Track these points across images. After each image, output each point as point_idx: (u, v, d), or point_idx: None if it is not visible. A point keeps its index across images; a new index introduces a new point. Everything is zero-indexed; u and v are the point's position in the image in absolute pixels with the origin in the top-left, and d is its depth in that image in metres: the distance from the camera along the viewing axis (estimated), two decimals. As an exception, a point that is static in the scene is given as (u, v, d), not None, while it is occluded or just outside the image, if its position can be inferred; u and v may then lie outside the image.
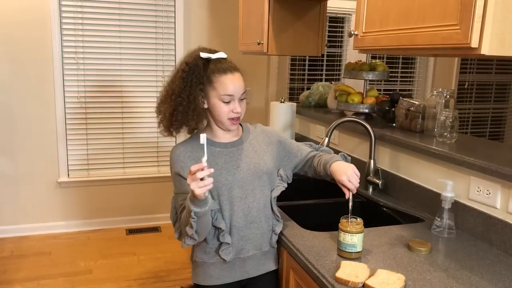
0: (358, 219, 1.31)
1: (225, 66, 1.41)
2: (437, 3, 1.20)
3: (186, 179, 1.31)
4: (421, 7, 1.27)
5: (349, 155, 1.63)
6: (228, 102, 1.40)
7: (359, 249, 1.30)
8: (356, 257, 1.30)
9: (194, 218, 1.28)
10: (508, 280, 1.20)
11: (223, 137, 1.48)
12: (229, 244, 1.43)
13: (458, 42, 1.10)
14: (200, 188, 1.21)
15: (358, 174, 1.42)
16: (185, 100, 1.39)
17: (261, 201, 1.45)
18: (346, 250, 1.30)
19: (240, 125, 1.55)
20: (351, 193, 1.40)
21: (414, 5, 1.29)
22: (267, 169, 1.48)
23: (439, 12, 1.19)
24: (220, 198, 1.42)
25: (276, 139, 1.57)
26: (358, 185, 1.40)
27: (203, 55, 1.41)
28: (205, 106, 1.43)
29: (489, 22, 1.05)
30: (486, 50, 1.06)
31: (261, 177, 1.46)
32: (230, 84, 1.39)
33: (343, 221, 1.31)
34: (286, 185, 1.54)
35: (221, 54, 1.45)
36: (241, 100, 1.43)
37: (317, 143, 1.77)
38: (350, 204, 1.38)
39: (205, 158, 1.20)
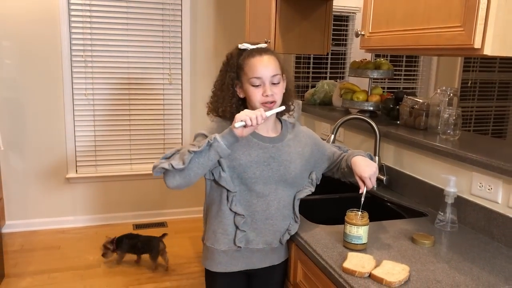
0: (364, 212, 1.37)
1: (255, 51, 1.40)
2: (442, 6, 1.25)
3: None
4: (426, 9, 1.31)
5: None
6: (258, 86, 1.38)
7: (364, 240, 1.35)
8: (362, 248, 1.35)
9: (210, 142, 1.27)
10: (508, 272, 1.25)
11: (262, 129, 1.45)
12: (245, 231, 1.44)
13: (462, 43, 1.15)
14: (251, 113, 1.26)
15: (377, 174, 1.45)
16: (219, 90, 1.45)
17: (281, 201, 1.46)
18: (352, 242, 1.35)
19: (280, 121, 1.54)
20: (365, 189, 1.43)
21: (420, 7, 1.34)
22: (295, 174, 1.47)
23: (444, 14, 1.24)
24: (240, 187, 1.42)
25: (312, 141, 1.56)
26: (374, 184, 1.44)
27: (241, 45, 1.44)
28: (242, 95, 1.44)
29: (491, 24, 1.10)
30: (489, 50, 1.11)
31: (287, 180, 1.46)
32: (258, 65, 1.37)
33: (349, 214, 1.37)
34: (313, 189, 1.54)
35: (261, 45, 1.45)
36: (273, 84, 1.39)
37: (322, 140, 1.80)
38: (363, 199, 1.41)
39: (268, 114, 1.31)
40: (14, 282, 2.81)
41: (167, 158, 1.35)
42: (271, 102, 1.39)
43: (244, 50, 1.44)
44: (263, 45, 1.45)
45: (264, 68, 1.38)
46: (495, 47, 1.11)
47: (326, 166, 1.60)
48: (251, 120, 1.26)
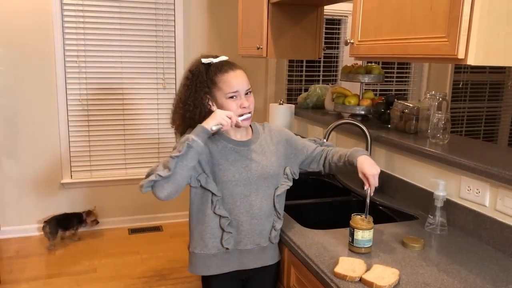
0: (368, 217, 1.40)
1: (226, 66, 1.47)
2: (427, 16, 1.28)
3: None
4: (412, 19, 1.35)
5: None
6: (235, 99, 1.45)
7: (372, 242, 1.39)
8: (366, 252, 1.38)
9: (189, 143, 1.32)
10: (495, 274, 1.28)
11: (235, 136, 1.52)
12: (231, 233, 1.49)
13: (446, 53, 1.18)
14: (226, 116, 1.38)
15: None
16: (191, 106, 1.46)
17: (263, 199, 1.51)
18: (365, 246, 1.38)
19: (250, 125, 1.58)
20: (369, 190, 1.47)
21: (406, 17, 1.37)
22: (273, 171, 1.53)
23: (429, 24, 1.27)
24: (223, 192, 1.47)
25: (283, 138, 1.62)
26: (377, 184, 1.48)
27: (205, 60, 1.48)
28: (214, 109, 1.47)
29: (474, 35, 1.13)
30: (472, 60, 1.14)
31: (267, 179, 1.51)
32: (233, 80, 1.44)
33: (355, 219, 1.39)
34: (291, 184, 1.59)
35: (223, 58, 1.51)
36: (246, 95, 1.48)
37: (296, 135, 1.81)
38: (368, 199, 1.45)
39: (240, 119, 1.45)
40: (9, 289, 2.82)
41: (150, 174, 1.38)
42: (248, 113, 1.48)
43: (209, 64, 1.48)
44: (225, 58, 1.51)
45: (239, 82, 1.46)
46: (479, 57, 1.14)
47: (301, 160, 1.65)
48: (226, 122, 1.39)
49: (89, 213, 3.59)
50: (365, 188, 1.48)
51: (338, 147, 1.72)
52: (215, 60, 1.49)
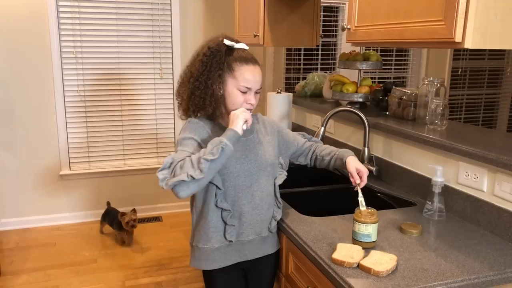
0: (372, 209, 1.36)
1: (248, 56, 1.44)
2: (424, 0, 1.27)
3: (199, 147, 1.40)
4: (409, 3, 1.33)
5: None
6: (244, 93, 1.43)
7: (373, 238, 1.32)
8: (371, 246, 1.32)
9: (223, 147, 1.30)
10: (492, 258, 1.28)
11: None
12: (234, 226, 1.48)
13: (443, 36, 1.17)
14: (243, 112, 1.39)
15: None
16: (203, 85, 1.42)
17: (264, 189, 1.51)
18: (361, 240, 1.32)
19: None
20: (360, 186, 1.48)
21: (403, 1, 1.36)
22: (271, 161, 1.53)
23: (426, 8, 1.25)
24: (225, 184, 1.45)
25: (276, 129, 1.63)
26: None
27: (227, 42, 1.44)
28: (220, 92, 1.44)
29: (471, 18, 1.12)
30: (469, 44, 1.13)
31: (266, 168, 1.51)
32: (250, 75, 1.42)
33: (357, 211, 1.36)
34: (286, 173, 1.61)
35: (243, 45, 1.47)
36: (256, 93, 1.46)
37: (313, 132, 1.85)
38: (360, 198, 1.41)
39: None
40: (10, 280, 2.83)
41: (168, 168, 1.33)
42: (250, 109, 1.46)
43: (230, 47, 1.45)
44: (245, 46, 1.48)
45: (256, 80, 1.44)
46: (476, 40, 1.13)
47: (291, 153, 1.68)
48: (248, 116, 1.39)
49: (123, 214, 3.25)
50: (357, 182, 1.49)
51: (335, 137, 1.73)
52: (236, 45, 1.45)
